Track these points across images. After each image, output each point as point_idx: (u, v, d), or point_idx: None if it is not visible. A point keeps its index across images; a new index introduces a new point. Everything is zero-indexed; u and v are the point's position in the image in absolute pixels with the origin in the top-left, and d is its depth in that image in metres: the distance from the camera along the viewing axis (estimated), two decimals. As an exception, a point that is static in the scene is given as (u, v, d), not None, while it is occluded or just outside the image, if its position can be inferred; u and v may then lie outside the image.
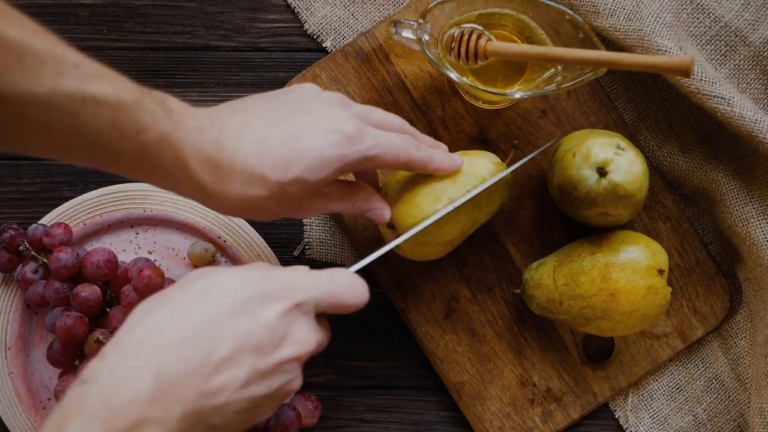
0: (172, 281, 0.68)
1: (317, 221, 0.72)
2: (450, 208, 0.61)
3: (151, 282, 0.64)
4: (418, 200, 0.62)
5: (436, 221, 0.61)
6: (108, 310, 0.66)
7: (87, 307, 0.65)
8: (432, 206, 0.61)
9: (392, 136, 0.58)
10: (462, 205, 0.62)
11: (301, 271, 0.51)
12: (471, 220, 0.64)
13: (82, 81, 0.47)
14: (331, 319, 0.73)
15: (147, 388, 0.43)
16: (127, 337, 0.46)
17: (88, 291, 0.65)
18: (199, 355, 0.45)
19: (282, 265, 0.70)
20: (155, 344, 0.45)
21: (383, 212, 0.61)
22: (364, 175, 0.65)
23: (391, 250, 0.62)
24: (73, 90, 0.46)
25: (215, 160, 0.52)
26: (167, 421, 0.44)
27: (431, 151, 0.61)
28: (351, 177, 0.68)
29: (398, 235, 0.61)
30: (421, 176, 0.63)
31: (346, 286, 0.52)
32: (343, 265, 0.71)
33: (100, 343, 0.63)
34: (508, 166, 0.66)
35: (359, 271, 0.56)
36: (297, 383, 0.50)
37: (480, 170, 0.64)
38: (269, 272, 0.50)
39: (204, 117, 0.53)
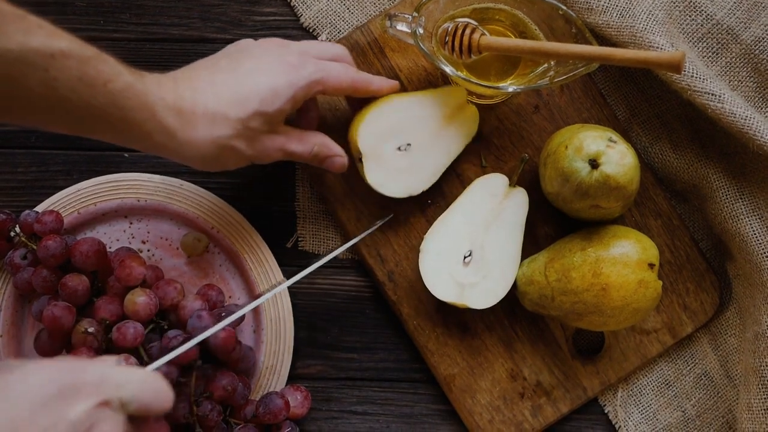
0: (158, 269, 0.68)
1: (310, 213, 0.72)
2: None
3: (133, 272, 0.64)
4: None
5: None
6: (95, 300, 0.65)
7: (75, 297, 0.64)
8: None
9: (332, 63, 0.63)
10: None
11: (111, 367, 0.47)
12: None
13: (48, 38, 0.50)
14: (323, 312, 0.73)
15: None
16: None
17: (76, 281, 0.64)
18: None
19: (274, 256, 0.70)
20: None
21: (342, 159, 0.65)
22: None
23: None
24: (41, 46, 0.49)
25: (179, 107, 0.56)
26: None
27: (369, 74, 0.66)
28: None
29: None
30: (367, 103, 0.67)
31: (153, 391, 0.48)
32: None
33: (87, 334, 0.63)
34: (516, 182, 0.68)
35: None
36: None
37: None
38: (77, 366, 0.46)
39: (157, 75, 0.57)
